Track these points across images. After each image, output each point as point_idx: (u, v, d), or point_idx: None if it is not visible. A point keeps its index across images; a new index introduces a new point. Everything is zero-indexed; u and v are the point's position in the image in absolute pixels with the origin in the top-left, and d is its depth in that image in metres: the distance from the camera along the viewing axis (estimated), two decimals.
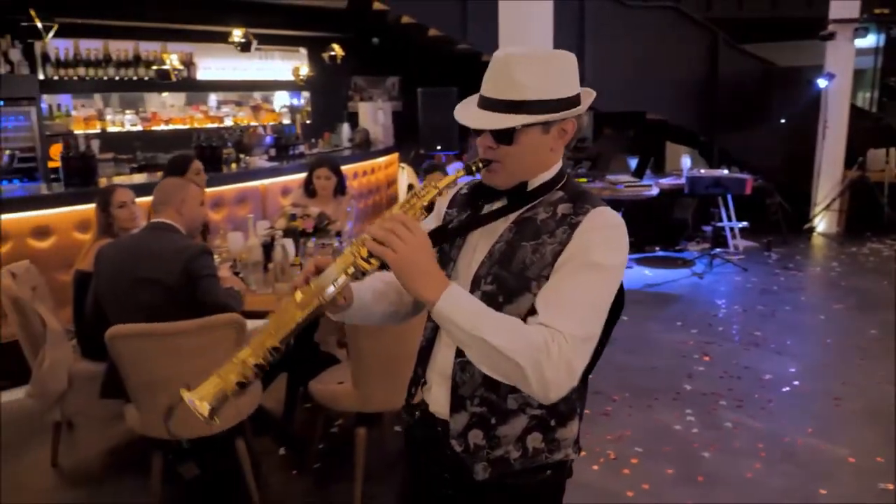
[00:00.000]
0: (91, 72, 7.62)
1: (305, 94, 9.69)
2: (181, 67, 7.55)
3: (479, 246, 1.41)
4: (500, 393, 1.37)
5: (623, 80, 7.93)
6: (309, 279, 1.26)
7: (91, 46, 7.60)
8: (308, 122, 9.38)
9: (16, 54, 6.85)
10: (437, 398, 1.46)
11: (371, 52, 9.71)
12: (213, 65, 8.60)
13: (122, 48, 7.79)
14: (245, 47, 6.90)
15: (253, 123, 8.65)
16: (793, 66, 9.15)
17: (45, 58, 7.27)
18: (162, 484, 2.86)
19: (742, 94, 8.69)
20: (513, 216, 1.39)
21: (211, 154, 5.35)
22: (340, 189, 4.67)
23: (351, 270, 1.24)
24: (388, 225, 1.22)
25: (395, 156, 8.55)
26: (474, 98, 1.40)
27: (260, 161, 6.18)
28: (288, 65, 9.28)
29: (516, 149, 1.33)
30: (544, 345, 1.20)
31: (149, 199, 3.10)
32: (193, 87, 8.45)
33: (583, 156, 8.58)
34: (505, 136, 1.32)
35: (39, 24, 5.38)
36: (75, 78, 7.52)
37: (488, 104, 1.33)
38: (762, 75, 8.92)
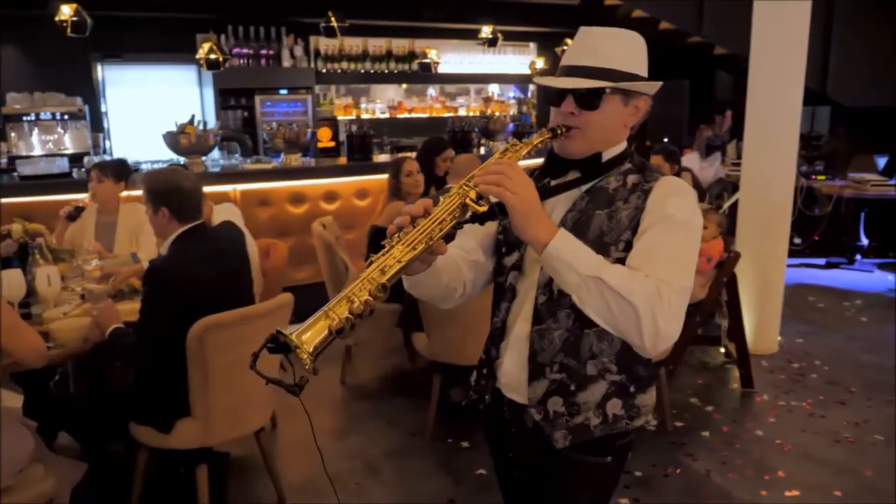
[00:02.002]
0: (352, 66, 8.73)
1: (531, 86, 10.20)
2: (438, 61, 8.36)
3: (551, 217, 1.39)
4: (580, 358, 1.38)
5: (871, 72, 7.44)
6: (415, 220, 1.19)
7: (353, 43, 8.72)
8: (526, 113, 9.90)
9: (298, 50, 8.11)
10: (511, 371, 1.46)
11: None
12: (452, 59, 9.40)
13: (377, 45, 8.85)
14: (491, 43, 7.51)
15: (486, 113, 9.31)
16: None
17: (317, 53, 8.49)
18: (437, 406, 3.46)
19: None
20: (585, 186, 1.40)
21: (462, 137, 6.01)
22: None
23: (458, 213, 1.19)
24: (500, 168, 1.22)
25: None
26: (553, 70, 1.49)
27: (501, 145, 6.77)
28: (518, 59, 9.85)
29: (598, 115, 1.35)
30: (657, 291, 1.19)
31: None
32: (435, 80, 9.31)
33: (816, 154, 8.18)
34: (589, 101, 1.34)
35: (335, 24, 6.37)
36: (339, 71, 8.67)
37: (573, 71, 1.35)
38: None
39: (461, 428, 3.53)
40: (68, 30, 5.07)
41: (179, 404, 2.47)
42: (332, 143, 7.98)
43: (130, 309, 2.65)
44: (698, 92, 9.32)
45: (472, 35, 8.35)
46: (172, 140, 4.83)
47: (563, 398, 1.39)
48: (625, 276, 1.20)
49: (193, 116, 5.07)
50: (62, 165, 4.72)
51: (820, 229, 6.65)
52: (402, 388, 4.11)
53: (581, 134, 1.37)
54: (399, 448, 3.40)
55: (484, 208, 1.20)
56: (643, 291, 1.18)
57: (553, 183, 1.43)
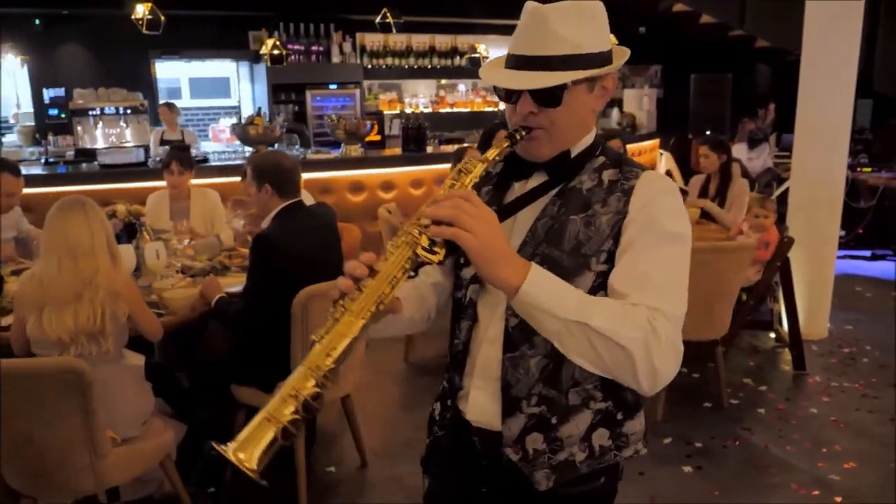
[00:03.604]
0: (395, 61, 8.95)
1: None
2: (487, 56, 8.55)
3: (515, 227, 1.23)
4: (560, 388, 1.21)
5: None
6: (360, 282, 1.02)
7: (397, 39, 8.93)
8: None
9: (347, 46, 8.36)
10: (481, 405, 1.27)
11: (637, 41, 10.06)
12: (493, 54, 9.55)
13: (420, 41, 9.05)
14: None
15: None
16: None
17: (363, 49, 8.73)
18: None
19: None
20: (554, 189, 1.22)
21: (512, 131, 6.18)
22: None
23: (408, 265, 1.02)
24: (452, 203, 1.01)
25: (657, 142, 8.87)
26: (500, 60, 1.23)
27: None
28: None
29: (563, 111, 1.16)
30: (651, 328, 1.03)
31: None
32: (475, 75, 9.47)
33: (861, 147, 8.19)
34: (550, 98, 1.14)
35: (391, 20, 6.59)
36: (384, 66, 8.90)
37: (524, 63, 1.15)
38: None
39: None
40: (143, 28, 5.35)
41: (281, 366, 2.68)
42: (378, 137, 8.23)
43: (225, 283, 2.94)
44: (739, 85, 9.38)
45: (510, 30, 8.50)
46: (242, 131, 5.08)
47: (543, 434, 1.22)
48: (614, 315, 1.04)
49: (260, 109, 5.32)
50: (139, 155, 5.00)
51: (865, 221, 6.70)
52: None
53: (545, 135, 1.18)
54: None
55: (439, 257, 1.01)
56: (636, 332, 1.03)
57: (516, 186, 1.26)
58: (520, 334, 1.18)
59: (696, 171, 5.03)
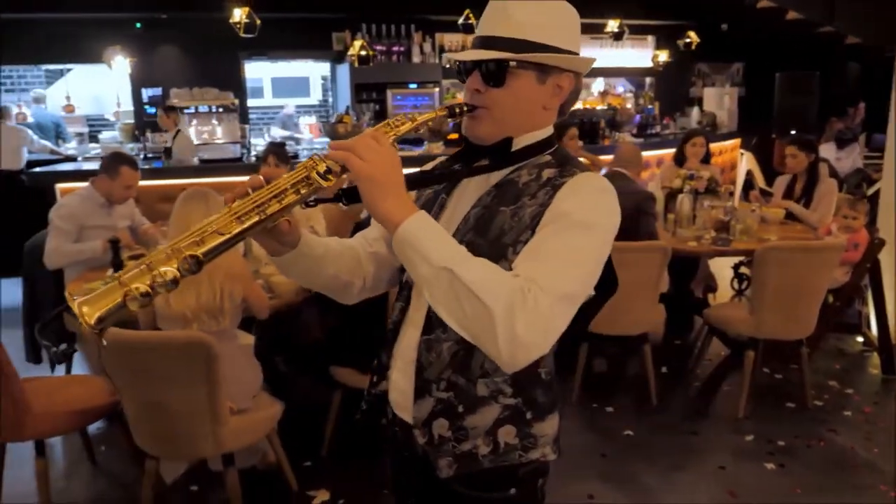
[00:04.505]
0: None
1: (648, 79, 10.22)
2: None
3: (455, 212, 1.25)
4: (469, 376, 1.21)
5: None
6: (250, 190, 1.02)
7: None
8: (649, 106, 9.92)
9: (426, 46, 8.55)
10: (399, 384, 1.29)
11: (718, 38, 9.88)
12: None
13: None
14: (618, 37, 7.67)
15: (608, 106, 9.44)
16: None
17: (441, 49, 8.90)
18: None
19: None
20: (494, 179, 1.23)
21: (590, 128, 6.23)
22: (706, 158, 5.18)
23: (303, 189, 1.01)
24: (355, 138, 1.03)
25: (738, 141, 8.70)
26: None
27: (628, 137, 6.94)
28: (636, 53, 9.90)
29: (505, 93, 1.17)
30: (520, 291, 0.99)
31: None
32: None
33: None
34: (494, 77, 1.16)
35: (473, 21, 6.74)
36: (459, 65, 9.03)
37: (478, 42, 1.20)
38: None
39: (604, 394, 3.79)
40: (241, 31, 5.67)
41: (378, 346, 2.86)
42: (456, 135, 8.39)
43: None
44: (827, 83, 9.09)
45: (594, 29, 8.51)
46: (331, 129, 5.32)
47: (449, 420, 1.23)
48: (486, 273, 1.01)
49: (348, 107, 5.54)
50: (235, 151, 5.30)
51: None
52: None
53: (487, 114, 1.19)
54: None
55: (329, 184, 1.01)
56: (502, 290, 0.98)
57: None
58: (437, 318, 1.11)
59: (779, 172, 4.98)
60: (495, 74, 1.15)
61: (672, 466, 3.13)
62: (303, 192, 1.01)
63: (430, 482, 1.26)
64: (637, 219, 3.53)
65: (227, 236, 0.95)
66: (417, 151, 5.73)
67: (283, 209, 1.00)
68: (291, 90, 10.66)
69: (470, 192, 1.25)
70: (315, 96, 10.74)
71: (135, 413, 2.47)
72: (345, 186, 1.07)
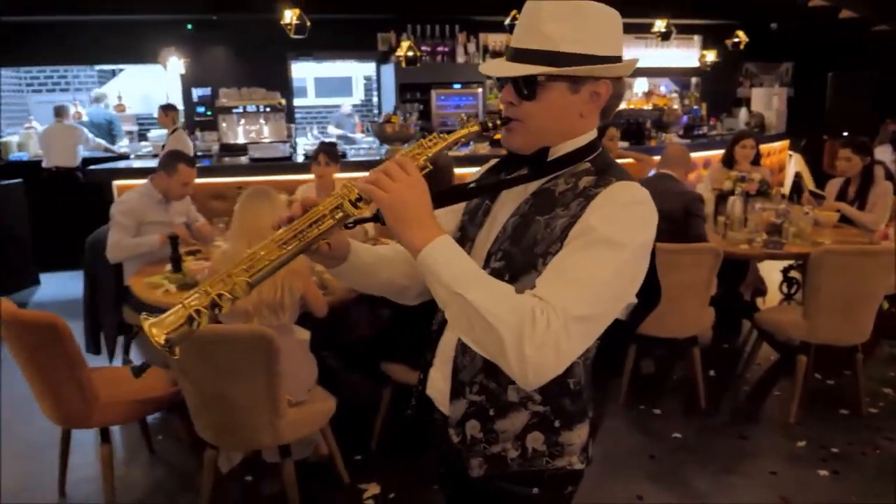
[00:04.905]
0: None
1: (693, 80, 10.08)
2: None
3: (496, 220, 1.28)
4: (500, 381, 1.23)
5: None
6: (293, 218, 1.11)
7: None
8: (696, 107, 9.78)
9: (471, 47, 8.58)
10: (437, 383, 1.34)
11: (767, 37, 9.70)
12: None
13: None
14: (665, 37, 7.59)
15: (656, 106, 9.35)
16: None
17: (486, 49, 8.92)
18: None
19: None
20: (532, 187, 1.23)
21: (636, 129, 6.18)
22: (756, 160, 5.10)
23: (339, 215, 1.09)
24: (384, 166, 1.09)
25: (786, 143, 8.53)
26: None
27: (675, 138, 6.87)
28: (681, 53, 9.78)
29: (538, 106, 1.17)
30: (530, 314, 1.01)
31: None
32: None
33: None
34: (526, 90, 1.17)
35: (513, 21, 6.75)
36: None
37: (514, 55, 1.18)
38: None
39: (651, 396, 3.78)
40: (291, 32, 5.78)
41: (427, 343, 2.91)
42: (498, 136, 8.39)
43: None
44: (883, 84, 8.85)
45: (640, 29, 8.43)
46: (378, 129, 5.39)
47: (481, 423, 1.27)
48: (495, 295, 1.04)
49: (396, 108, 5.60)
50: (284, 150, 5.40)
51: None
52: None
53: (521, 126, 1.20)
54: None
55: (361, 212, 1.09)
56: (510, 313, 1.01)
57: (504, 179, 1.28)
58: None
59: (828, 174, 4.88)
60: (526, 88, 1.17)
61: (722, 470, 3.11)
62: (338, 216, 1.09)
63: (464, 477, 1.31)
64: (686, 220, 3.52)
65: (273, 263, 1.05)
66: (464, 151, 5.76)
67: (321, 234, 1.09)
68: (334, 90, 10.81)
69: (511, 199, 1.27)
70: (357, 96, 10.86)
71: (197, 404, 2.55)
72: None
